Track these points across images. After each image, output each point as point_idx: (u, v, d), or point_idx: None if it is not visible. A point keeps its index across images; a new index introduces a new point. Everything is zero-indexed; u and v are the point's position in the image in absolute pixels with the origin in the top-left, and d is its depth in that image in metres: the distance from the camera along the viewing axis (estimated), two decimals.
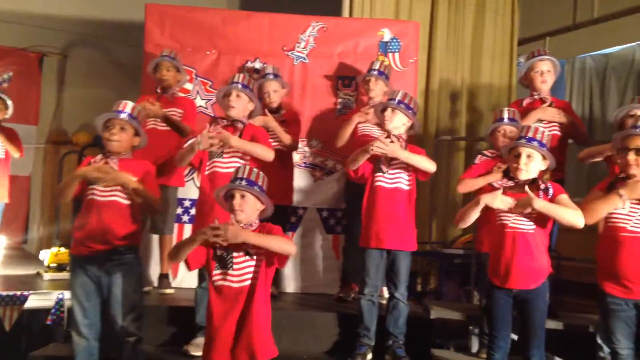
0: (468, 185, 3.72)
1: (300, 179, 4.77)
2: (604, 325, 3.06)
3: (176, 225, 4.59)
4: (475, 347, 3.99)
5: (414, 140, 4.85)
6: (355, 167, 3.69)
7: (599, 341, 3.62)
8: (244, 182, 2.82)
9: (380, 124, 3.83)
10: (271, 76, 4.44)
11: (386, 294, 3.89)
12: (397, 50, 4.90)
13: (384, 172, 3.68)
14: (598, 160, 3.77)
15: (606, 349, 3.56)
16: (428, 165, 3.67)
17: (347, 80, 4.86)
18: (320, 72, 4.87)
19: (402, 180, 3.69)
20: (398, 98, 3.68)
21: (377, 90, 4.38)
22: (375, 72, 4.40)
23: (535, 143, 3.07)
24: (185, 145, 3.84)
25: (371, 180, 3.71)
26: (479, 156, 3.92)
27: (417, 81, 5.11)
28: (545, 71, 4.13)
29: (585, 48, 5.91)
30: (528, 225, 3.09)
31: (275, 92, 4.40)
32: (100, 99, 5.73)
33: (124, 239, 3.28)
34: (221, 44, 4.83)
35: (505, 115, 3.82)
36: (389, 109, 3.66)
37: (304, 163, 4.83)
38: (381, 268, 3.72)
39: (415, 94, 5.01)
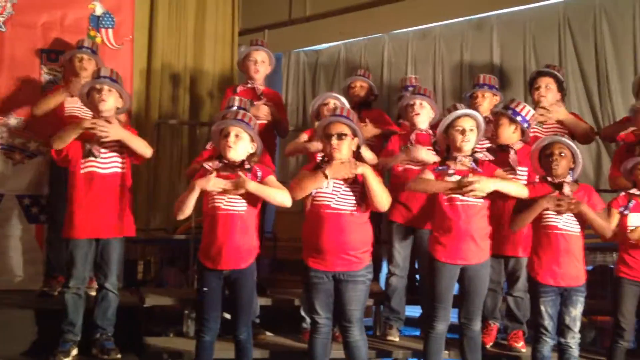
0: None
1: None
2: (307, 298, 3.27)
3: None
4: (192, 331, 3.99)
5: (130, 122, 4.67)
6: (62, 146, 3.41)
7: (302, 313, 3.90)
8: None
9: (89, 105, 3.56)
10: None
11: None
12: (110, 26, 4.64)
13: (96, 157, 3.45)
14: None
15: (308, 320, 3.86)
16: (145, 149, 3.55)
17: (53, 54, 4.45)
18: (20, 44, 4.39)
19: (116, 165, 3.52)
20: (107, 75, 3.48)
21: (90, 69, 4.08)
22: (89, 50, 4.14)
23: (243, 123, 3.17)
24: None
25: (80, 166, 3.45)
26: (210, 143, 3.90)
27: (134, 61, 4.90)
28: (260, 61, 4.31)
29: (300, 43, 6.30)
30: (240, 207, 3.17)
31: None
32: None
33: None
34: None
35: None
36: (106, 88, 3.43)
37: (0, 144, 4.30)
38: (90, 258, 3.49)
39: (132, 74, 4.82)
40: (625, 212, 3.29)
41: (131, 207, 3.63)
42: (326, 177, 3.11)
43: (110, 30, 4.65)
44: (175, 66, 5.78)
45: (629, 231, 3.27)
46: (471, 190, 3.17)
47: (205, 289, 3.21)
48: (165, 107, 5.72)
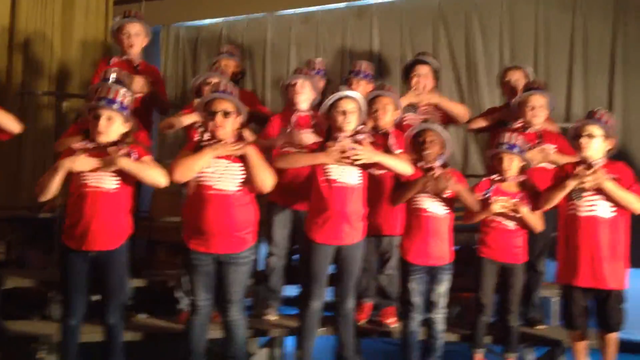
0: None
1: None
2: (189, 280, 3.20)
3: None
4: (57, 314, 3.76)
5: None
6: None
7: (178, 294, 3.82)
8: None
9: None
10: None
11: None
12: None
13: None
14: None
15: (184, 301, 3.79)
16: (11, 123, 3.25)
17: None
18: None
19: None
20: None
21: None
22: None
23: (116, 105, 3.03)
24: None
25: None
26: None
27: None
28: (133, 34, 4.11)
29: (179, 17, 6.09)
30: (110, 184, 3.04)
31: None
32: None
33: None
34: None
35: None
36: None
37: None
38: None
39: None
40: (487, 195, 3.51)
41: None
42: (212, 153, 3.04)
43: None
44: (42, 34, 5.40)
45: (491, 202, 3.45)
46: (355, 158, 3.21)
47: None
48: (29, 78, 5.35)
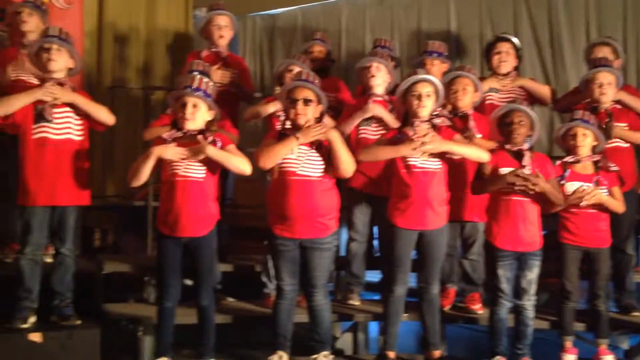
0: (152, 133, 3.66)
1: None
2: (274, 264, 3.30)
3: None
4: (152, 297, 3.96)
5: (84, 86, 4.54)
6: (6, 113, 3.31)
7: (264, 279, 3.93)
8: None
9: (38, 66, 3.43)
10: None
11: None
12: None
13: (49, 121, 3.35)
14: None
15: (270, 285, 3.89)
16: (105, 115, 3.48)
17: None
18: None
19: (72, 131, 3.42)
20: (56, 34, 3.36)
21: (32, 25, 3.91)
22: (30, 5, 3.94)
23: (200, 93, 3.11)
24: None
25: (31, 132, 3.34)
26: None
27: (84, 21, 4.76)
28: (223, 26, 4.26)
29: (255, 7, 6.16)
30: (198, 174, 3.14)
31: None
32: None
33: None
34: None
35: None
36: (54, 47, 3.32)
37: None
38: (46, 225, 3.42)
39: (82, 36, 4.66)
40: (562, 182, 3.38)
41: (88, 175, 3.54)
42: (297, 139, 3.09)
43: None
44: (127, 28, 5.60)
45: (570, 197, 3.34)
46: (423, 149, 3.18)
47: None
48: (117, 71, 5.56)
